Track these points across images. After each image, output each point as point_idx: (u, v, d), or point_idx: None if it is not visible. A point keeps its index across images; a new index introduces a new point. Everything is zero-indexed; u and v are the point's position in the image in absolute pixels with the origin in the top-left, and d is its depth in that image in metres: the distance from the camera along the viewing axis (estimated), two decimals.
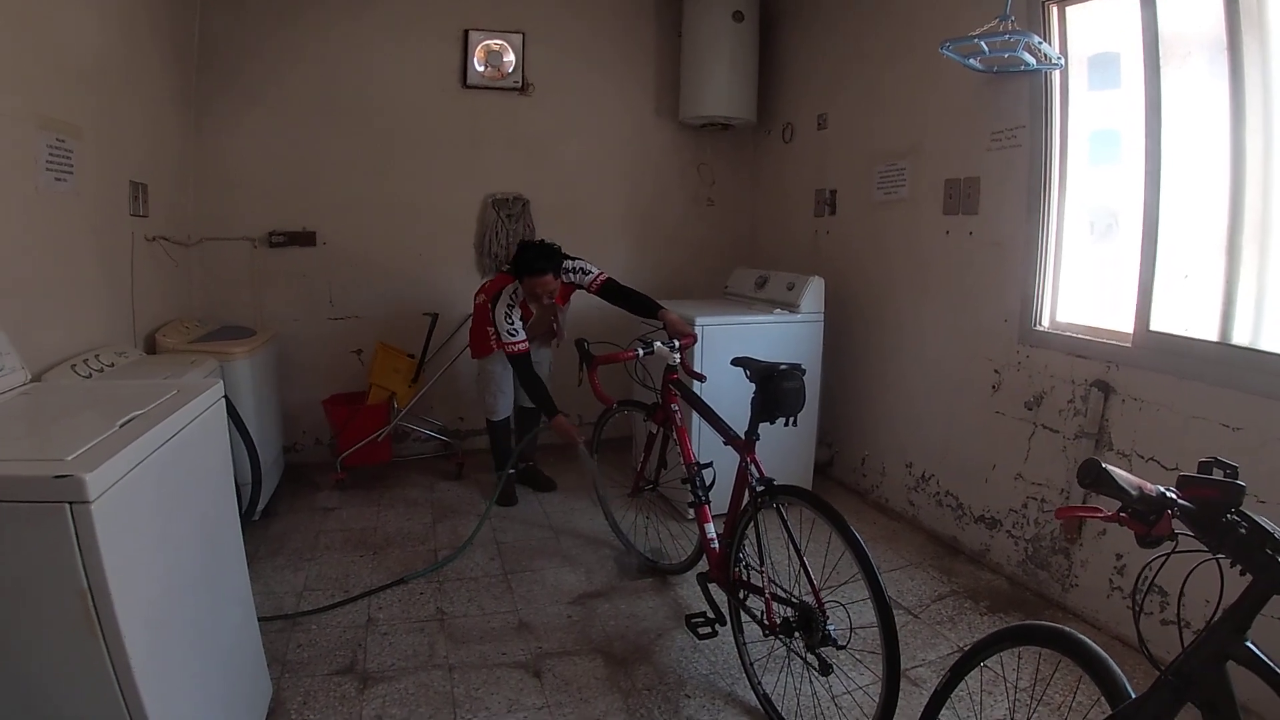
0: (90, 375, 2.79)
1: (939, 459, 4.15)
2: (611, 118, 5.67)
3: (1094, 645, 1.61)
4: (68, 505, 1.43)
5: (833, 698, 2.63)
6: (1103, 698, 1.55)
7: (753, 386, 2.85)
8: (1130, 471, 1.38)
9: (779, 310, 4.36)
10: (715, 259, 5.93)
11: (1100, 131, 3.48)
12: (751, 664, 2.82)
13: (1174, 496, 1.32)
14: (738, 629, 2.90)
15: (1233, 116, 2.80)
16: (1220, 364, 2.81)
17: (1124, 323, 3.20)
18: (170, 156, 4.36)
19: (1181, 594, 1.38)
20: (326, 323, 5.18)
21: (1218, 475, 1.34)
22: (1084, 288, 3.52)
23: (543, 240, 4.03)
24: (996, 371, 3.75)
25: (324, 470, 4.93)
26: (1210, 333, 2.91)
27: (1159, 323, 3.06)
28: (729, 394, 3.10)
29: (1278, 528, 1.25)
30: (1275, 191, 2.76)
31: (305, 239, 5.05)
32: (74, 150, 3.02)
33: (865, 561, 2.33)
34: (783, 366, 2.79)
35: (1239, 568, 1.28)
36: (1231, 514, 1.28)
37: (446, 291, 5.22)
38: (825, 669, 2.47)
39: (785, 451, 4.22)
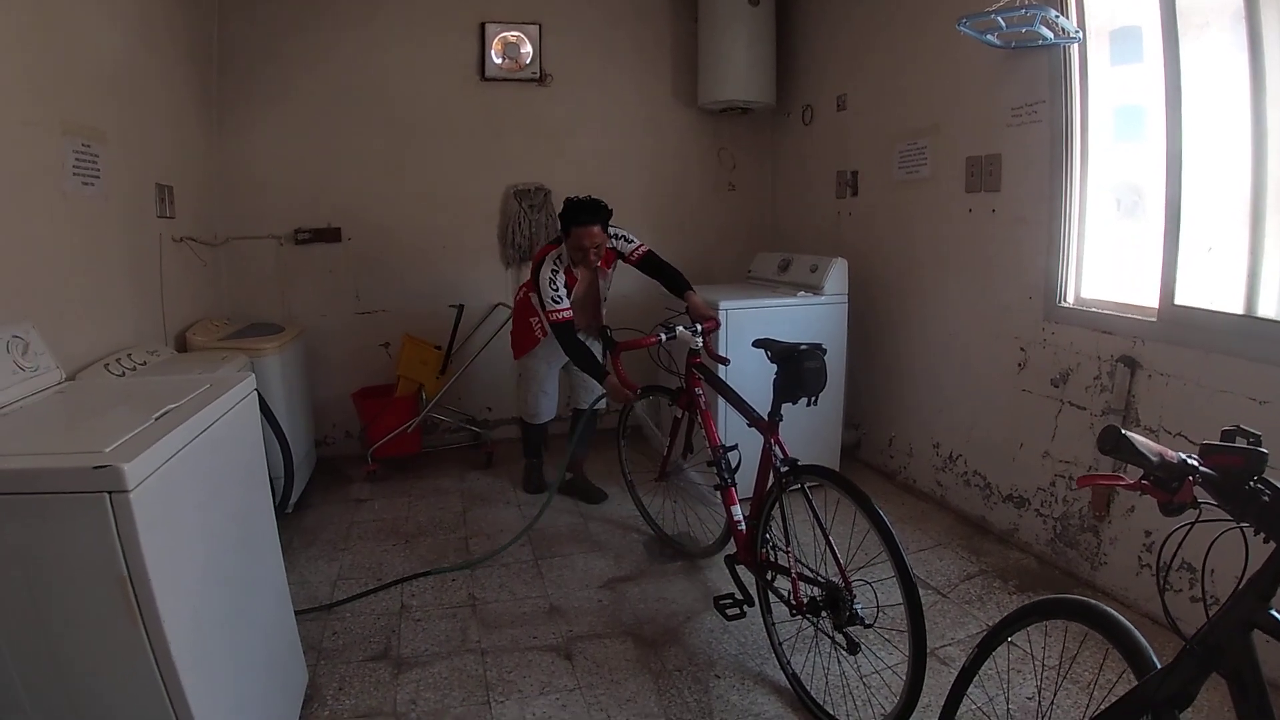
0: (123, 374, 2.86)
1: (966, 439, 4.14)
2: (630, 106, 5.68)
3: (1120, 617, 1.61)
4: (107, 495, 1.48)
5: (861, 677, 2.64)
6: (1129, 670, 1.56)
7: (774, 368, 2.87)
8: (1155, 440, 1.38)
9: (802, 293, 4.37)
10: (738, 243, 5.94)
11: (1123, 107, 3.44)
12: (780, 644, 2.84)
13: (1196, 464, 1.33)
14: (766, 609, 2.92)
15: (1253, 86, 2.77)
16: (1246, 337, 2.79)
17: (1149, 298, 3.17)
18: (195, 158, 4.43)
19: (1205, 562, 1.37)
20: (353, 317, 5.25)
21: (1240, 443, 1.34)
22: (1108, 263, 3.49)
23: (589, 196, 3.90)
24: (1022, 349, 3.74)
25: (355, 463, 5.00)
26: (1235, 306, 2.89)
27: (1184, 297, 3.03)
28: (753, 377, 3.12)
29: None
30: None
31: (331, 235, 5.12)
32: (100, 155, 3.08)
33: (890, 539, 2.35)
34: (803, 347, 2.82)
35: (1262, 535, 1.28)
36: (1255, 482, 1.28)
37: (471, 283, 5.29)
38: (853, 648, 2.49)
39: (812, 434, 4.25)
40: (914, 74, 4.39)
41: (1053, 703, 2.20)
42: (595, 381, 3.86)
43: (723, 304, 4.06)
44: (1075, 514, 3.48)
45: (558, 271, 3.83)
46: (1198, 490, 1.33)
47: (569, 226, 3.79)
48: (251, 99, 4.88)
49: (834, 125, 5.24)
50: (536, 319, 4.08)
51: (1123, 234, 3.45)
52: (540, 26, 5.32)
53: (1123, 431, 1.34)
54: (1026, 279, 3.70)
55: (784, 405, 2.86)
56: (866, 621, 2.44)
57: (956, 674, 1.95)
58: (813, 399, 2.83)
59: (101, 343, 3.03)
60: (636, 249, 4.00)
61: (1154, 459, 1.34)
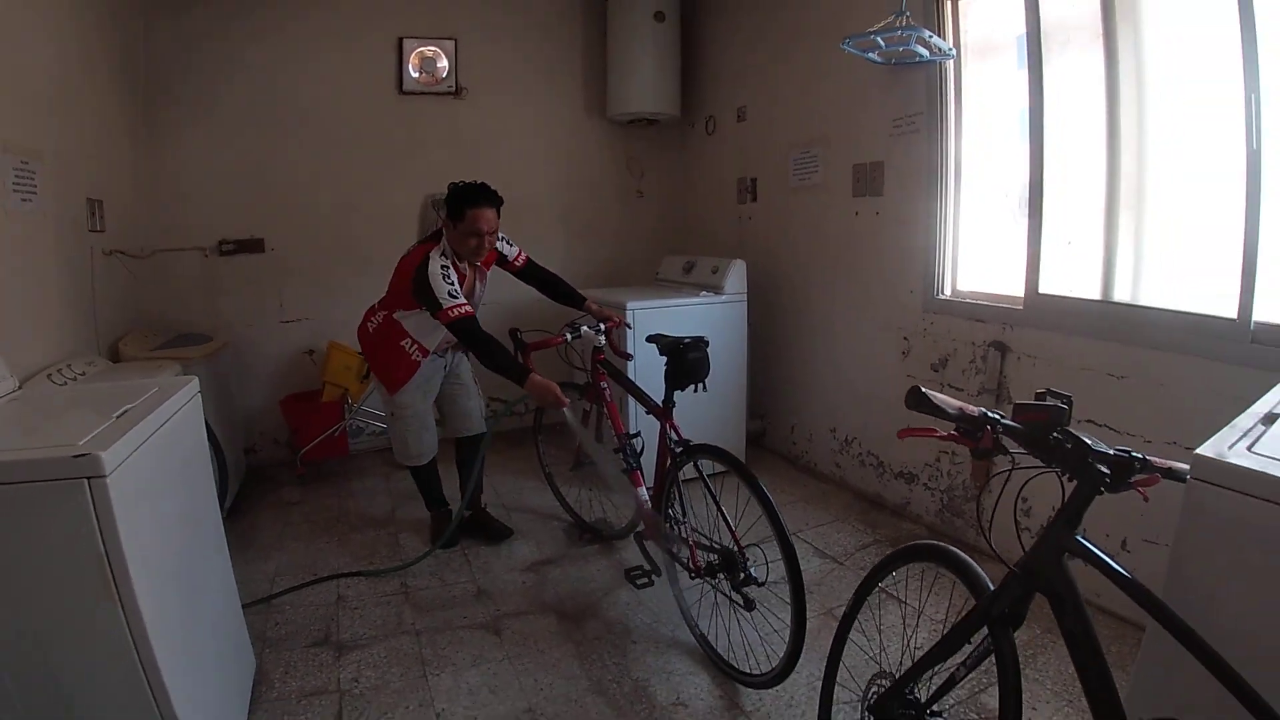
0: (66, 383, 2.99)
1: (860, 423, 4.50)
2: (543, 117, 5.93)
3: (961, 554, 1.92)
4: (86, 481, 1.67)
5: (760, 638, 2.93)
6: (971, 597, 1.86)
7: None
8: None
9: (704, 293, 4.67)
10: (647, 247, 6.23)
11: (995, 116, 3.82)
12: (688, 608, 3.15)
13: (997, 416, 1.64)
14: (672, 579, 3.23)
15: (1108, 95, 3.17)
16: (1103, 319, 3.17)
17: (1017, 288, 3.55)
18: (124, 172, 4.53)
19: (1017, 499, 1.69)
20: (278, 326, 5.38)
21: (1052, 403, 1.65)
22: (982, 258, 3.88)
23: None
24: (906, 339, 4.10)
25: (285, 469, 5.14)
26: (1093, 292, 3.28)
27: (1047, 286, 3.42)
28: (658, 371, 3.37)
29: (1096, 440, 1.56)
30: (1148, 163, 3.14)
31: (254, 246, 5.24)
32: (37, 172, 3.21)
33: (767, 503, 2.67)
34: (687, 340, 3.14)
35: (1067, 476, 1.59)
36: (1058, 433, 1.59)
37: None
38: (749, 605, 2.80)
39: (720, 423, 4.55)
40: (806, 88, 4.75)
41: (915, 631, 2.50)
42: (474, 405, 3.99)
43: (629, 305, 4.33)
44: (959, 486, 3.85)
45: (448, 267, 3.39)
46: (1009, 441, 1.65)
47: (462, 209, 3.41)
48: (177, 113, 4.98)
49: (735, 135, 5.58)
50: (408, 340, 3.66)
51: (995, 231, 3.83)
52: (456, 42, 5.52)
53: (923, 390, 1.66)
54: (908, 275, 4.06)
55: (676, 393, 3.18)
56: (759, 580, 2.77)
57: (839, 621, 2.26)
58: (700, 385, 3.15)
59: (43, 354, 3.15)
60: (519, 254, 3.86)
61: (954, 412, 1.66)
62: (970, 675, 1.80)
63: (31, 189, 3.16)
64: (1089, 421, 3.09)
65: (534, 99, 5.88)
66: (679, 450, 3.08)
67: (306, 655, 3.04)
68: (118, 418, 1.98)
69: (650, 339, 3.32)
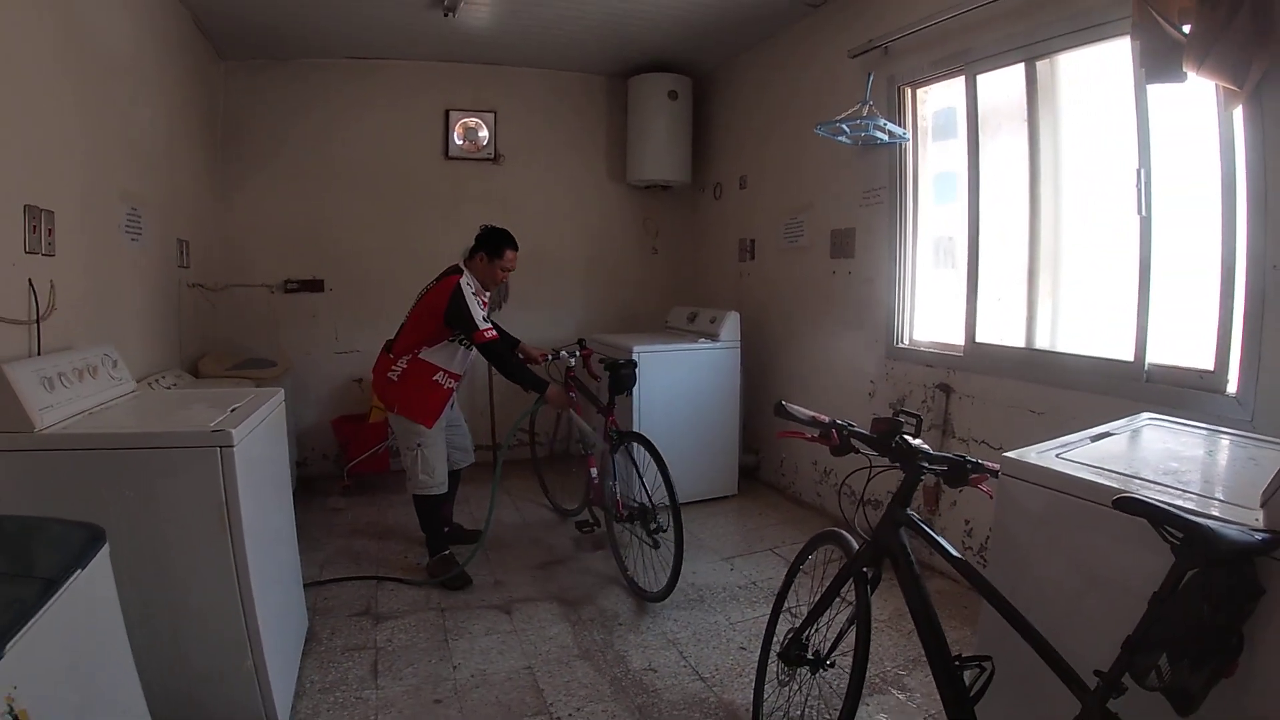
0: (167, 389, 3.72)
1: (834, 457, 5.10)
2: (571, 181, 6.73)
3: (846, 534, 2.56)
4: (218, 449, 2.38)
5: (659, 568, 3.99)
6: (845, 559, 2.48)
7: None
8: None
9: (703, 340, 5.34)
10: (659, 298, 6.97)
11: (942, 174, 4.49)
12: (618, 547, 4.31)
13: (842, 424, 2.31)
14: (609, 527, 4.39)
15: (1030, 172, 3.78)
16: (1026, 364, 3.76)
17: (959, 337, 4.17)
18: (205, 218, 5.33)
19: (865, 488, 2.37)
20: (333, 356, 6.15)
21: (903, 419, 2.30)
22: (932, 312, 4.52)
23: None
24: (871, 381, 4.74)
25: (330, 481, 5.87)
26: (1018, 341, 3.88)
27: (982, 335, 4.05)
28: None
29: (922, 444, 2.21)
30: (1063, 230, 3.74)
31: (315, 285, 6.06)
32: (143, 215, 3.94)
33: (662, 465, 3.95)
34: (621, 361, 4.44)
35: (899, 468, 2.25)
36: (898, 439, 2.24)
37: None
38: (655, 544, 4.02)
39: (715, 456, 5.33)
40: (794, 161, 5.47)
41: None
42: (469, 439, 4.66)
43: (635, 348, 5.01)
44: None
45: (476, 294, 4.08)
46: (862, 445, 2.30)
47: (502, 248, 4.20)
48: (251, 167, 5.83)
49: (738, 200, 6.31)
50: (440, 373, 4.14)
51: (942, 289, 4.47)
52: (496, 114, 6.35)
53: (783, 403, 2.35)
54: (874, 327, 4.72)
55: (617, 398, 4.38)
56: (664, 528, 3.98)
57: (774, 597, 2.89)
58: (627, 392, 4.48)
59: (144, 366, 3.87)
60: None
61: (806, 418, 2.33)
62: (851, 629, 2.42)
63: (138, 230, 3.90)
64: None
65: (563, 165, 6.67)
66: (615, 435, 4.29)
67: (349, 622, 3.70)
68: (231, 411, 2.69)
69: (600, 360, 4.65)
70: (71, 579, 1.65)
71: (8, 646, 1.38)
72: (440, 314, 4.02)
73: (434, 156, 6.29)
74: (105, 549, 1.85)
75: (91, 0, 3.33)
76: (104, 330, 3.35)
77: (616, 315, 6.86)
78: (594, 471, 4.51)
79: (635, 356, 4.90)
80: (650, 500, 4.04)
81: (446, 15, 4.99)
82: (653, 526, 4.02)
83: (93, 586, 1.77)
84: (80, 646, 1.76)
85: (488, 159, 6.36)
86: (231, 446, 2.39)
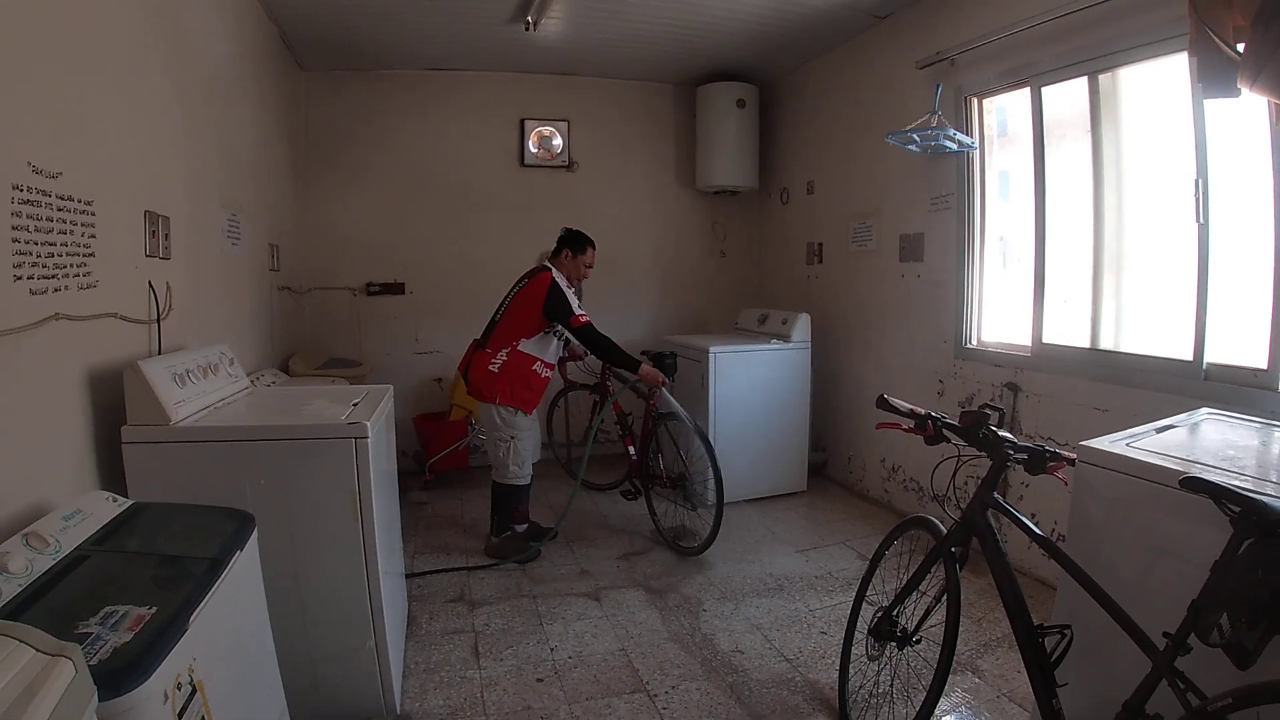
0: (268, 386, 3.92)
1: (903, 454, 5.25)
2: (641, 187, 6.93)
3: (933, 518, 2.72)
4: (353, 440, 2.61)
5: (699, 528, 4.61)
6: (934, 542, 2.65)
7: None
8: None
9: (775, 340, 5.52)
10: (727, 300, 7.15)
11: (1000, 172, 4.64)
12: (656, 513, 4.91)
13: (938, 416, 2.46)
14: (649, 499, 5.01)
15: (1094, 179, 3.91)
16: (1091, 364, 3.89)
17: (1026, 338, 4.31)
18: (293, 224, 5.61)
19: (955, 474, 2.52)
20: (413, 356, 6.43)
21: (988, 411, 2.46)
22: (1000, 314, 4.64)
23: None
24: (940, 381, 4.87)
25: (411, 477, 6.05)
26: (1083, 341, 4.01)
27: (1049, 336, 4.19)
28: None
29: (1009, 436, 2.36)
30: (1126, 236, 3.87)
31: (396, 289, 6.34)
32: (241, 222, 4.19)
33: (705, 440, 4.54)
34: (666, 353, 4.95)
35: (986, 457, 2.40)
36: (984, 430, 2.40)
37: None
38: (694, 507, 4.70)
39: (785, 452, 5.50)
40: (862, 167, 5.61)
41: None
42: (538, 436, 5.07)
43: (711, 349, 5.24)
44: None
45: (569, 285, 4.55)
46: (952, 435, 2.46)
47: (586, 246, 4.71)
48: (333, 174, 6.13)
49: (805, 205, 6.47)
50: (538, 363, 4.49)
51: (1010, 293, 4.60)
52: (569, 123, 6.59)
53: (886, 396, 2.51)
54: (942, 328, 4.85)
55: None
56: (700, 492, 4.64)
57: (853, 585, 3.06)
58: (671, 379, 4.78)
59: (248, 364, 4.04)
60: None
61: (905, 411, 2.49)
62: (939, 606, 2.59)
63: (237, 235, 4.14)
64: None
65: (633, 171, 6.87)
66: (656, 415, 4.86)
67: (446, 608, 3.93)
68: (354, 406, 2.91)
69: (643, 352, 4.92)
70: (233, 560, 1.86)
71: (192, 617, 1.57)
72: (539, 306, 4.39)
73: (510, 164, 6.53)
74: (256, 533, 2.07)
75: (195, 19, 3.54)
76: (211, 330, 3.57)
77: (686, 317, 7.06)
78: (632, 450, 5.09)
79: (711, 356, 5.14)
80: (687, 468, 4.68)
81: (528, 29, 5.20)
82: (689, 489, 4.69)
83: (247, 569, 1.98)
84: (240, 625, 1.97)
85: (562, 166, 6.59)
86: (366, 438, 2.61)
